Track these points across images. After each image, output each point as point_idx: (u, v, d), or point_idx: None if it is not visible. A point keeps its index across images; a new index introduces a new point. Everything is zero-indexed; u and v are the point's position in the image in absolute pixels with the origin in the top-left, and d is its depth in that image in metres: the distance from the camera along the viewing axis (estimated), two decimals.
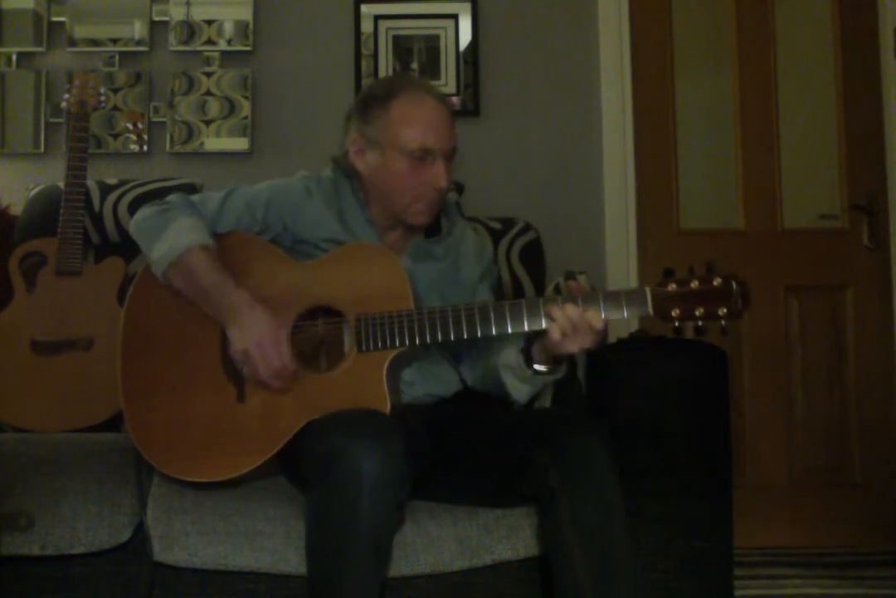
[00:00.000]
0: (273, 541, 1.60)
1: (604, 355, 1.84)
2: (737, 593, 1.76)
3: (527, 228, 2.44)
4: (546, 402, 1.98)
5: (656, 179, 3.05)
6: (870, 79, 3.07)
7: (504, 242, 2.39)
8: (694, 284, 1.54)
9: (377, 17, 3.03)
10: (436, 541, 1.62)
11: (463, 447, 1.69)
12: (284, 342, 1.64)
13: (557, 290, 2.26)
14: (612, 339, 2.10)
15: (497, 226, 2.43)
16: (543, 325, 1.57)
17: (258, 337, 1.62)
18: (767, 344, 3.04)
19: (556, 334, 1.55)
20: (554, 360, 1.65)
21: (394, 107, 1.76)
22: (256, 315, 1.64)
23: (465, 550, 1.62)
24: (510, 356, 1.70)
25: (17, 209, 2.55)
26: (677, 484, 1.70)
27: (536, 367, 1.65)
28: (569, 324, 1.53)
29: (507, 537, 1.64)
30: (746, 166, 3.09)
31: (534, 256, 2.42)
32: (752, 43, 3.11)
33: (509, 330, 1.60)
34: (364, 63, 3.01)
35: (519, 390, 1.73)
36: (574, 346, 1.55)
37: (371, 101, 1.79)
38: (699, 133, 3.11)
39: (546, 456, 1.54)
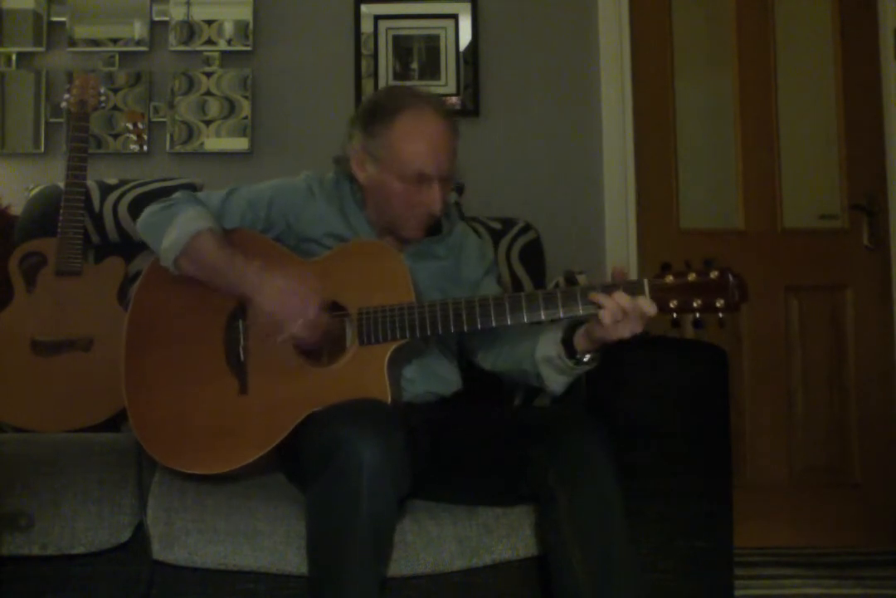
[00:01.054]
0: (273, 540, 1.60)
1: (604, 354, 1.84)
2: (737, 593, 1.76)
3: (527, 228, 2.44)
4: (546, 401, 1.98)
5: (656, 179, 3.05)
6: (870, 79, 3.07)
7: (504, 242, 2.40)
8: (691, 277, 1.55)
9: (377, 17, 3.03)
10: (436, 541, 1.62)
11: (462, 447, 1.70)
12: (311, 281, 1.65)
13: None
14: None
15: (497, 226, 2.43)
16: (581, 311, 1.57)
17: (282, 293, 1.64)
18: (767, 344, 3.04)
19: (608, 319, 1.54)
20: (600, 347, 1.64)
21: (397, 124, 1.74)
22: (273, 276, 1.66)
23: (465, 550, 1.62)
24: (548, 347, 1.70)
25: (17, 209, 2.55)
26: (677, 484, 1.70)
27: (579, 357, 1.65)
28: (619, 310, 1.54)
29: (507, 537, 1.65)
30: (746, 166, 3.09)
31: (534, 256, 2.42)
32: (752, 43, 3.11)
33: (541, 317, 1.59)
34: (364, 63, 3.01)
35: (556, 382, 1.73)
36: (626, 331, 1.55)
37: (376, 112, 1.78)
38: (699, 133, 3.11)
39: (545, 456, 1.54)
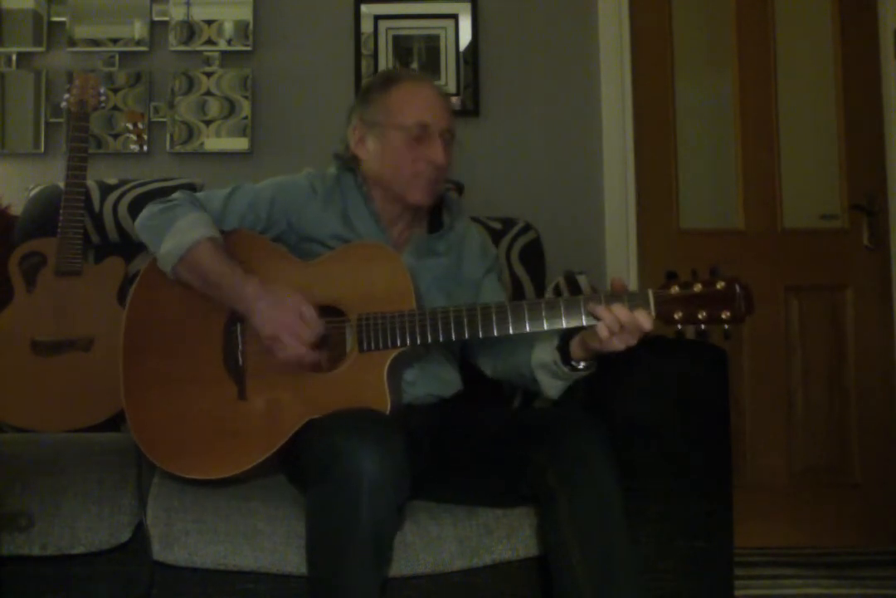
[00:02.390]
0: (273, 541, 1.60)
1: (602, 356, 1.84)
2: (737, 593, 1.76)
3: (527, 228, 2.44)
4: (545, 402, 1.98)
5: (656, 179, 3.05)
6: (870, 79, 3.07)
7: (504, 242, 2.39)
8: (697, 288, 1.53)
9: (377, 17, 3.03)
10: (436, 541, 1.62)
11: (463, 447, 1.69)
12: (310, 315, 1.63)
13: (557, 290, 2.25)
14: None
15: (497, 226, 2.42)
16: (584, 322, 1.57)
17: (282, 318, 1.62)
18: (767, 344, 3.04)
19: (604, 333, 1.54)
20: (595, 356, 1.64)
21: (393, 90, 1.81)
22: (274, 298, 1.64)
23: (465, 550, 1.62)
24: (544, 354, 1.70)
25: (17, 209, 2.55)
26: (677, 484, 1.70)
27: (574, 364, 1.66)
28: (616, 323, 1.53)
29: (507, 537, 1.64)
30: (746, 166, 3.09)
31: (534, 256, 2.42)
32: (752, 43, 3.11)
33: (543, 327, 1.59)
34: (364, 63, 3.01)
35: (553, 387, 1.73)
36: (621, 344, 1.55)
37: (371, 89, 1.86)
38: (699, 133, 3.11)
39: (545, 456, 1.54)
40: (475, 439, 1.69)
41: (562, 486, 1.51)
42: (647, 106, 3.05)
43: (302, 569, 1.56)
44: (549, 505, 1.53)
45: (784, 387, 3.04)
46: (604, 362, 1.68)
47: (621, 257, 2.96)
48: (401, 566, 1.59)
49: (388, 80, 1.84)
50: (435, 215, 1.91)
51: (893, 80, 3.02)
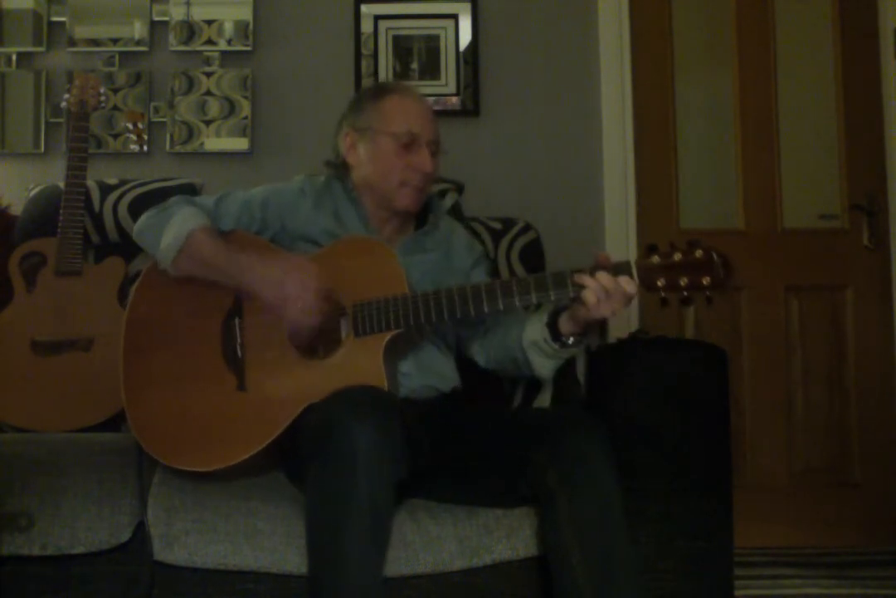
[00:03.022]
0: (273, 540, 1.60)
1: (603, 354, 1.84)
2: (737, 593, 1.76)
3: (527, 228, 2.44)
4: (546, 402, 1.98)
5: (656, 179, 3.05)
6: (870, 79, 3.07)
7: (504, 242, 2.39)
8: (676, 257, 1.58)
9: (377, 17, 3.03)
10: (436, 541, 1.62)
11: (462, 447, 1.70)
12: (308, 267, 1.69)
13: None
14: (612, 339, 2.10)
15: (497, 226, 2.42)
16: (570, 293, 1.60)
17: (281, 281, 1.67)
18: (767, 344, 3.04)
19: (591, 299, 1.57)
20: (584, 329, 1.68)
21: (385, 99, 1.87)
22: (272, 265, 1.70)
23: (465, 550, 1.62)
24: (534, 333, 1.73)
25: (17, 209, 2.55)
26: (677, 484, 1.70)
27: (564, 339, 1.69)
28: (602, 289, 1.57)
29: (507, 537, 1.64)
30: (746, 166, 3.09)
31: (534, 256, 2.41)
32: (752, 42, 3.11)
33: (532, 301, 1.62)
34: (364, 63, 3.01)
35: (543, 366, 1.76)
36: (608, 310, 1.58)
37: (363, 98, 1.91)
38: (699, 133, 3.11)
39: (545, 456, 1.55)
40: (475, 439, 1.70)
41: (562, 486, 1.52)
42: (647, 106, 3.05)
43: (302, 569, 1.56)
44: (549, 505, 1.53)
45: (784, 387, 3.04)
46: (604, 361, 1.68)
47: (621, 257, 2.93)
48: (401, 566, 1.59)
49: (379, 90, 1.90)
50: (421, 216, 1.96)
51: (893, 80, 3.02)
